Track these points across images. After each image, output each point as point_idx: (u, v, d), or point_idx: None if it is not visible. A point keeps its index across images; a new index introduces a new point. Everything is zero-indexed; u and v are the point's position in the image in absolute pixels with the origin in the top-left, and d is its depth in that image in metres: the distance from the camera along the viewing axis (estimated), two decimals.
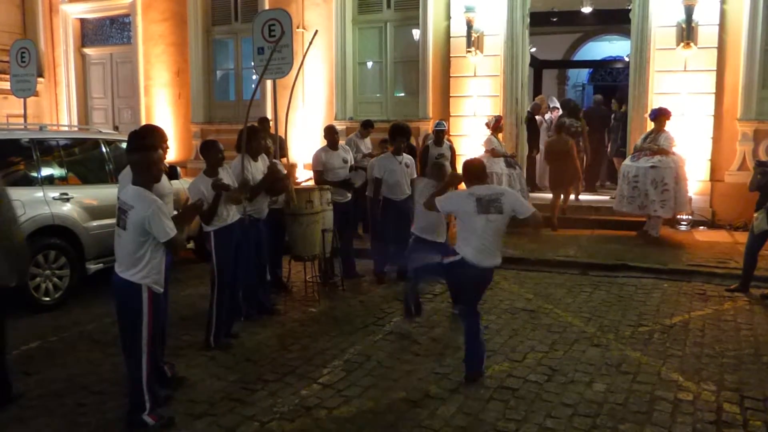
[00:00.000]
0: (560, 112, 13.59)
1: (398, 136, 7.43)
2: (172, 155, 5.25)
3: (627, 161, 9.35)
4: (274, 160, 6.47)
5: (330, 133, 7.69)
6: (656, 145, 8.95)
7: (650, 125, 9.40)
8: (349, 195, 7.64)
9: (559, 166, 10.28)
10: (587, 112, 12.69)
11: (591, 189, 12.07)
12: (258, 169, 6.10)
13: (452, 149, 9.38)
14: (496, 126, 9.70)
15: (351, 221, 7.85)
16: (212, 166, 5.36)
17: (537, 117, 12.26)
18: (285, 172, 6.63)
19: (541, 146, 12.21)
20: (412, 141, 10.35)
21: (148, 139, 4.26)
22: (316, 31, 8.35)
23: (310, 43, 7.36)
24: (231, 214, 5.40)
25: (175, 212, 4.62)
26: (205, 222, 5.21)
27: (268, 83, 7.73)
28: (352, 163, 7.76)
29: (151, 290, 3.96)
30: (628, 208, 9.14)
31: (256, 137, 6.18)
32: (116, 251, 4.02)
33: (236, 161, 5.98)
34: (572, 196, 11.24)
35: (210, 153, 5.39)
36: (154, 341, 4.06)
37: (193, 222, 5.58)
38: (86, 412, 4.28)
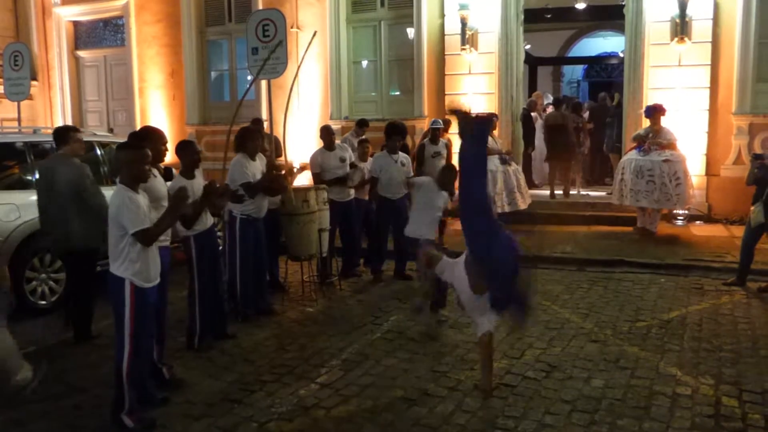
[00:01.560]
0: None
1: (394, 134, 7.42)
2: (167, 157, 5.24)
3: (634, 155, 9.15)
4: (275, 160, 6.48)
5: (326, 133, 7.67)
6: (665, 140, 8.96)
7: (645, 121, 9.43)
8: (352, 194, 7.60)
9: (556, 138, 11.09)
10: (593, 110, 12.76)
11: (597, 183, 12.21)
12: (257, 168, 6.09)
13: (448, 147, 9.36)
14: None
15: (355, 220, 7.80)
16: (187, 166, 5.30)
17: (533, 114, 12.29)
18: (283, 171, 6.62)
19: (537, 143, 12.26)
20: (407, 140, 10.36)
21: (135, 138, 4.29)
22: (315, 32, 8.32)
23: (309, 44, 7.35)
24: (209, 218, 5.36)
25: None
26: (186, 226, 5.11)
27: (263, 83, 7.72)
28: (352, 160, 7.72)
29: (133, 284, 3.96)
30: (645, 202, 9.02)
31: (253, 137, 6.17)
32: (108, 246, 4.06)
33: (234, 162, 5.96)
34: (575, 191, 11.34)
35: (185, 153, 5.33)
36: (140, 338, 4.04)
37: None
38: (84, 415, 4.27)
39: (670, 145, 8.93)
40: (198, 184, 5.23)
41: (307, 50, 7.51)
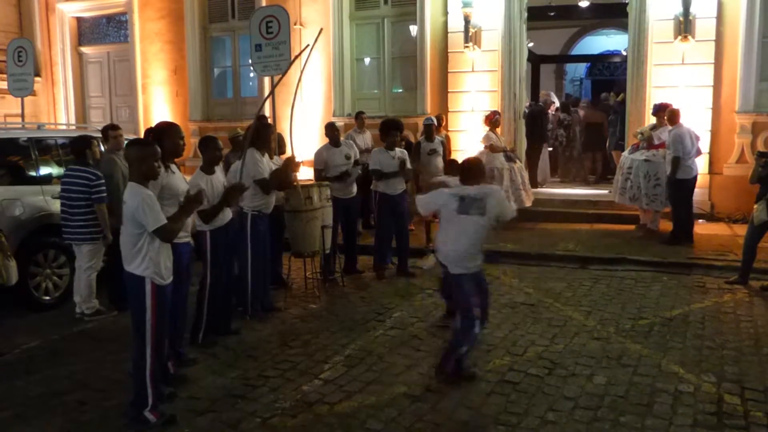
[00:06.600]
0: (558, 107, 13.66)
1: (391, 130, 7.42)
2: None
3: (625, 153, 9.48)
4: (287, 156, 6.51)
5: (331, 130, 7.65)
6: (656, 139, 8.96)
7: (650, 118, 9.44)
8: (355, 191, 7.60)
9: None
10: (597, 108, 12.84)
11: (600, 181, 12.31)
12: (266, 164, 6.10)
13: (444, 143, 9.33)
14: (488, 121, 9.70)
15: (354, 217, 7.81)
16: (208, 162, 5.31)
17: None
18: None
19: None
20: (411, 137, 10.36)
21: (148, 135, 4.27)
22: (321, 29, 8.28)
23: (315, 40, 7.31)
24: (227, 213, 5.37)
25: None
26: (205, 221, 5.16)
27: (266, 80, 7.72)
28: (357, 157, 7.71)
29: (153, 283, 3.96)
30: (620, 199, 9.36)
31: (266, 135, 6.20)
32: (120, 245, 4.04)
33: (248, 158, 5.94)
34: (575, 191, 11.38)
35: (207, 149, 5.34)
36: (160, 335, 4.05)
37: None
38: (87, 410, 4.28)
39: (661, 145, 8.93)
40: (217, 179, 5.27)
41: (312, 46, 7.48)
